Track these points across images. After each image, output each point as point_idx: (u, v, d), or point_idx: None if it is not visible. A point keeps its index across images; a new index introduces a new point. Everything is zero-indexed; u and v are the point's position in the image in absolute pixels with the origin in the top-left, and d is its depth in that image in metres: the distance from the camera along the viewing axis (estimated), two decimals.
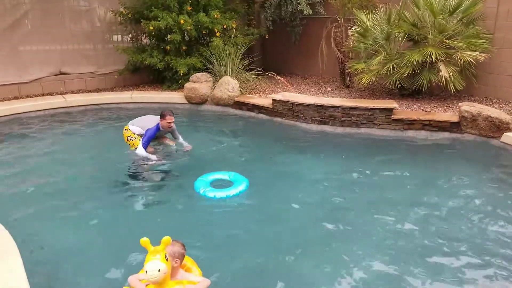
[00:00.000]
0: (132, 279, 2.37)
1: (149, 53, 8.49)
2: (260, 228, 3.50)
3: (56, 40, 8.41)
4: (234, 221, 3.64)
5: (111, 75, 9.05)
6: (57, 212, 3.72)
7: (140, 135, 5.01)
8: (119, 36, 9.33)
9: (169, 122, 4.91)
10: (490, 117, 5.33)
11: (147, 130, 4.90)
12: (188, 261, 2.61)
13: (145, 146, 4.86)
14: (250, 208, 3.88)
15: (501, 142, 5.28)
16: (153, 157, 4.88)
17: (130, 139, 5.08)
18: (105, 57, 9.03)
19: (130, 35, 9.21)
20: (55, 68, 8.44)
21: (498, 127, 5.31)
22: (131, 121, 5.23)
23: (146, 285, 2.29)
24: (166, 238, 2.26)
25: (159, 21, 7.91)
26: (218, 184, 4.24)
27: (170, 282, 2.30)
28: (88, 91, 8.56)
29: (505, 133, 5.25)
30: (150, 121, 5.02)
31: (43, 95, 8.14)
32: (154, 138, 5.06)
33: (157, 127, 4.93)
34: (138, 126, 5.07)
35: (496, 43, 6.85)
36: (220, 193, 3.99)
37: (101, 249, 3.18)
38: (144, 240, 2.23)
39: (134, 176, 4.57)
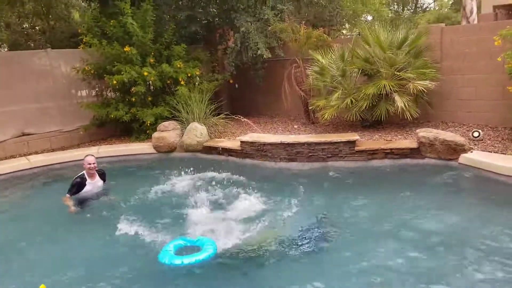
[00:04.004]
0: None
1: (115, 106, 8.52)
2: None
3: (18, 100, 8.30)
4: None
5: (77, 132, 8.93)
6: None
7: None
8: (84, 91, 9.32)
9: None
10: (446, 140, 5.59)
11: None
12: None
13: None
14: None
15: (459, 163, 5.51)
16: None
17: None
18: (69, 114, 8.92)
19: (95, 90, 9.25)
20: (17, 129, 8.27)
21: (455, 150, 5.56)
22: None
23: None
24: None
25: (123, 74, 8.03)
26: (184, 251, 3.85)
27: None
28: (53, 150, 8.38)
29: (462, 155, 5.50)
30: None
31: (6, 158, 7.89)
32: None
33: None
34: None
35: (444, 71, 7.32)
36: (188, 259, 3.59)
37: None
38: None
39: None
